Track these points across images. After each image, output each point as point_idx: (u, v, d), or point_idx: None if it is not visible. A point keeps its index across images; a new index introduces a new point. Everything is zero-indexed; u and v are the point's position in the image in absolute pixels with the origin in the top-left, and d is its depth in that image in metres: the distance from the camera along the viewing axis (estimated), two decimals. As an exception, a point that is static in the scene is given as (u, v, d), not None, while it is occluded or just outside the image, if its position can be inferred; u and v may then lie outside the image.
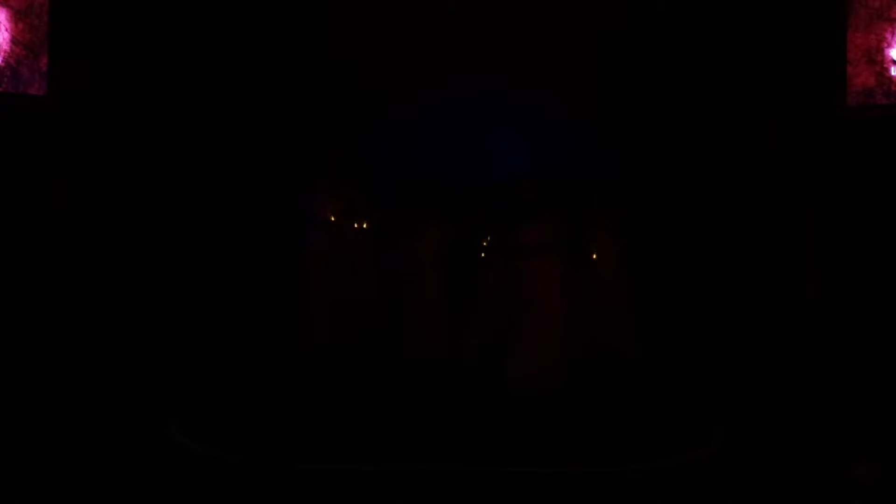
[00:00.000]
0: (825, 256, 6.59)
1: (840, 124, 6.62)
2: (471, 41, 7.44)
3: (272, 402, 5.94)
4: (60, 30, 6.56)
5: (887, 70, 6.48)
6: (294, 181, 7.16)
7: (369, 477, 4.51)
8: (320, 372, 6.60)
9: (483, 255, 6.82)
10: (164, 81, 7.00)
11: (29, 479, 4.36)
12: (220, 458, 4.76)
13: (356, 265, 6.96)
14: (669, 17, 7.20)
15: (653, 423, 5.70)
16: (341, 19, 7.46)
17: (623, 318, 6.54)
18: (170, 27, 6.99)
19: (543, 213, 6.32)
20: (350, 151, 7.29)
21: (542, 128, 7.66)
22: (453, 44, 7.43)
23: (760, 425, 5.49)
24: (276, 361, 6.74)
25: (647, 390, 6.32)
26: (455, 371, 6.59)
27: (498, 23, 7.47)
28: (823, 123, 6.68)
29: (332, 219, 6.91)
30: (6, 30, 6.41)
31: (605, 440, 5.25)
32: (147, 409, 5.58)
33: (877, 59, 6.50)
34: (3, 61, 6.40)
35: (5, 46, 6.41)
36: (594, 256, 6.62)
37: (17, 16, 6.46)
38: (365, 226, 7.01)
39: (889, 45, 6.47)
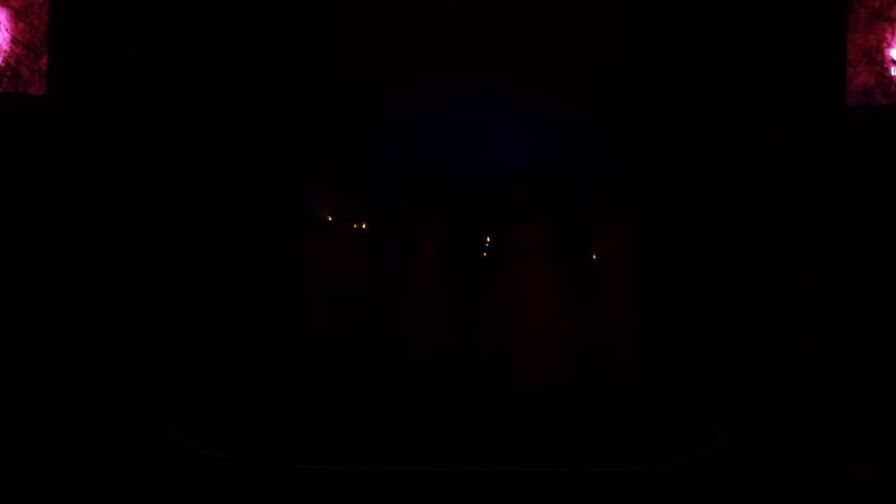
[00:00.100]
0: (825, 256, 6.59)
1: (840, 124, 6.62)
2: (471, 41, 7.44)
3: (272, 402, 5.94)
4: (60, 30, 6.56)
5: (887, 70, 6.47)
6: (293, 181, 7.16)
7: (369, 477, 4.51)
8: (319, 372, 6.60)
9: (485, 254, 6.82)
10: (164, 81, 7.00)
11: (29, 479, 4.36)
12: (220, 458, 4.76)
13: (354, 265, 6.96)
14: (669, 16, 7.20)
15: (653, 423, 5.71)
16: (341, 19, 7.46)
17: (625, 319, 6.53)
18: (170, 27, 6.98)
19: (539, 213, 6.32)
20: (349, 151, 7.29)
21: (541, 127, 7.66)
22: (453, 43, 7.43)
23: (760, 425, 5.49)
24: (276, 361, 6.74)
25: (646, 391, 6.33)
26: (455, 371, 6.59)
27: (498, 22, 7.47)
28: (823, 123, 6.68)
29: (330, 219, 6.90)
30: (6, 30, 6.41)
31: (606, 440, 5.26)
32: (147, 409, 5.58)
33: (877, 59, 6.50)
34: (3, 61, 6.40)
35: (5, 46, 6.41)
36: (594, 257, 6.61)
37: (17, 16, 6.45)
38: (364, 226, 7.01)
39: (889, 45, 6.47)
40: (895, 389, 5.98)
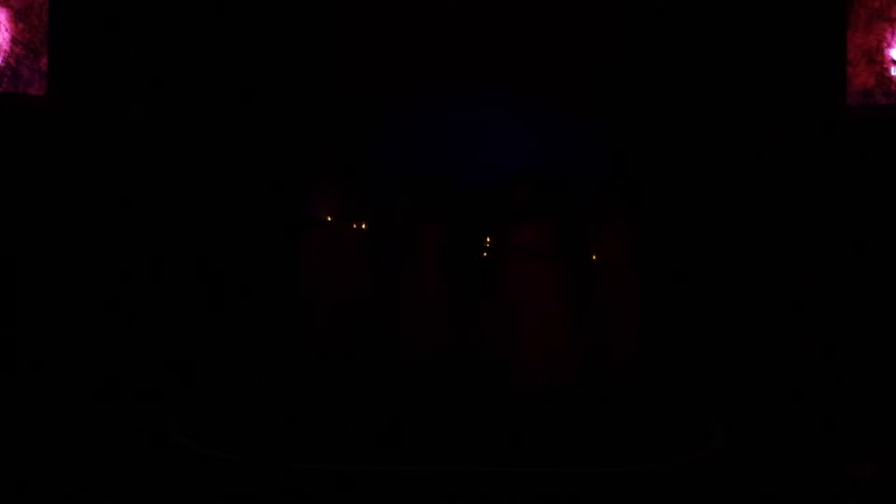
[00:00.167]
0: (825, 256, 6.59)
1: (840, 124, 6.62)
2: (471, 41, 7.44)
3: (272, 402, 5.94)
4: (60, 30, 6.56)
5: (887, 70, 6.48)
6: (293, 181, 7.16)
7: (370, 477, 4.51)
8: (320, 372, 6.60)
9: (485, 254, 6.81)
10: (164, 81, 7.00)
11: (29, 480, 4.36)
12: (220, 458, 4.76)
13: (355, 265, 6.96)
14: (669, 16, 7.20)
15: (653, 423, 5.71)
16: (341, 19, 7.46)
17: (625, 319, 6.52)
18: (170, 27, 6.98)
19: (539, 213, 6.32)
20: (349, 151, 7.29)
21: (542, 127, 7.66)
22: (453, 43, 7.43)
23: (760, 425, 5.49)
24: (276, 361, 6.74)
25: (646, 391, 6.33)
26: (454, 371, 6.59)
27: (498, 22, 7.47)
28: (823, 123, 6.68)
29: (329, 219, 6.90)
30: (6, 30, 6.41)
31: (606, 440, 5.26)
32: (147, 409, 5.58)
33: (877, 59, 6.50)
34: (3, 61, 6.41)
35: (5, 46, 6.41)
36: (594, 257, 6.60)
37: (17, 16, 6.46)
38: (363, 226, 7.01)
39: (889, 45, 6.47)
40: (895, 389, 5.98)
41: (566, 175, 7.10)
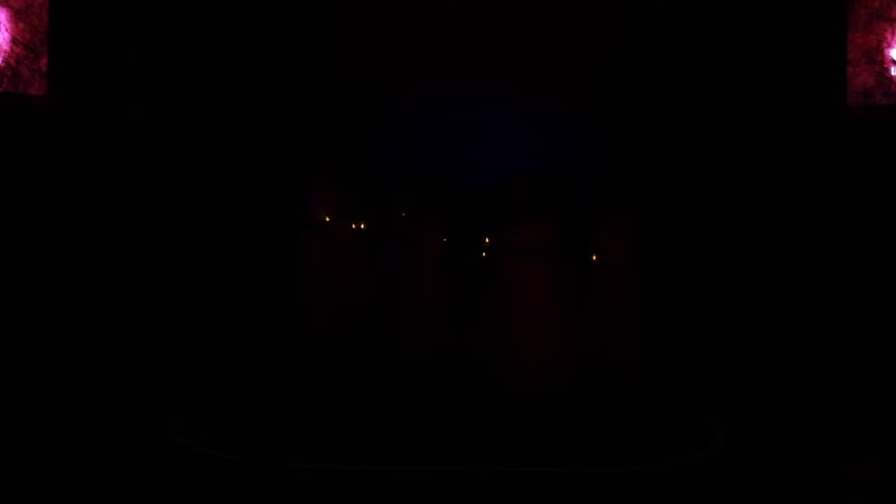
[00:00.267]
0: (825, 256, 6.59)
1: (840, 124, 6.62)
2: (471, 41, 7.44)
3: (272, 402, 5.94)
4: (60, 30, 6.56)
5: (887, 70, 6.47)
6: (293, 181, 7.16)
7: (369, 477, 4.51)
8: (320, 372, 6.60)
9: (484, 255, 6.81)
10: (164, 81, 7.00)
11: (29, 480, 4.36)
12: (220, 458, 4.76)
13: (354, 265, 6.96)
14: (669, 16, 7.20)
15: (653, 423, 5.70)
16: (341, 19, 7.46)
17: (625, 319, 6.52)
18: (170, 27, 6.98)
19: (539, 213, 6.31)
20: (349, 151, 7.29)
21: (542, 127, 7.66)
22: (453, 43, 7.43)
23: (760, 425, 5.49)
24: (276, 361, 6.74)
25: (646, 391, 6.33)
26: (454, 371, 6.58)
27: (498, 22, 7.47)
28: (823, 123, 6.68)
29: (328, 219, 6.90)
30: (6, 30, 6.41)
31: (606, 440, 5.25)
32: (147, 409, 5.58)
33: (877, 59, 6.50)
34: (3, 61, 6.41)
35: (5, 46, 6.41)
36: (594, 257, 6.60)
37: (17, 16, 6.46)
38: (363, 226, 7.00)
39: (889, 45, 6.47)
40: (895, 389, 5.98)
41: (566, 175, 7.10)
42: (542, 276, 6.21)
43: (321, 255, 6.91)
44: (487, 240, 6.76)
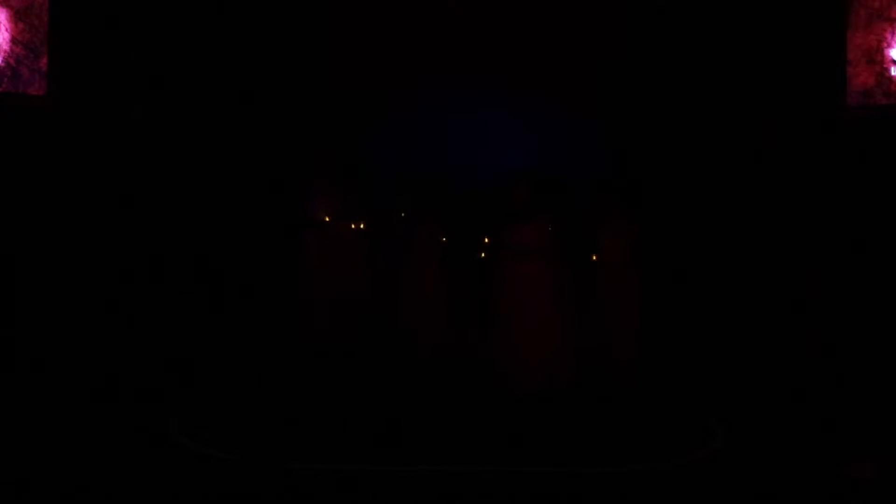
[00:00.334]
0: (825, 256, 6.59)
1: (840, 124, 6.62)
2: (471, 41, 7.44)
3: (272, 402, 5.94)
4: (60, 30, 6.56)
5: (887, 70, 6.48)
6: (293, 181, 7.16)
7: (369, 477, 4.51)
8: (320, 372, 6.60)
9: (484, 255, 6.81)
10: (164, 81, 7.00)
11: (29, 480, 4.36)
12: (220, 458, 4.76)
13: (354, 265, 6.95)
14: (669, 16, 7.20)
15: (653, 423, 5.70)
16: (341, 19, 7.46)
17: (625, 319, 6.52)
18: (170, 27, 6.98)
19: (539, 213, 6.31)
20: (349, 151, 7.29)
21: (542, 127, 7.65)
22: (453, 43, 7.43)
23: (760, 425, 5.49)
24: (276, 361, 6.74)
25: (646, 391, 6.33)
26: (454, 371, 6.58)
27: (498, 22, 7.47)
28: (823, 123, 6.68)
29: (327, 219, 6.90)
30: (6, 30, 6.41)
31: (606, 440, 5.26)
32: (147, 409, 5.58)
33: (877, 59, 6.50)
34: (3, 61, 6.41)
35: (5, 46, 6.41)
36: (594, 257, 6.60)
37: (17, 16, 6.46)
38: (362, 226, 7.00)
39: (889, 45, 6.47)
40: (895, 389, 5.98)
41: (566, 175, 7.10)
42: (542, 276, 6.21)
43: (321, 255, 6.91)
44: (487, 240, 6.76)
